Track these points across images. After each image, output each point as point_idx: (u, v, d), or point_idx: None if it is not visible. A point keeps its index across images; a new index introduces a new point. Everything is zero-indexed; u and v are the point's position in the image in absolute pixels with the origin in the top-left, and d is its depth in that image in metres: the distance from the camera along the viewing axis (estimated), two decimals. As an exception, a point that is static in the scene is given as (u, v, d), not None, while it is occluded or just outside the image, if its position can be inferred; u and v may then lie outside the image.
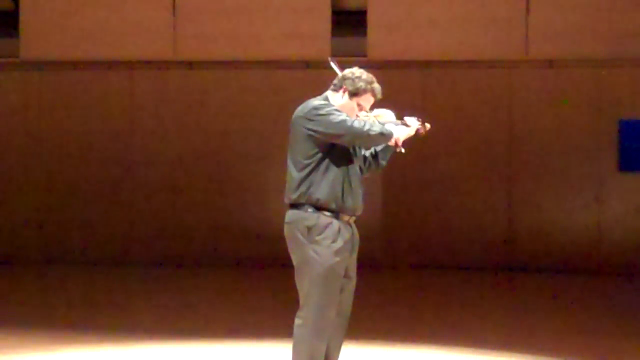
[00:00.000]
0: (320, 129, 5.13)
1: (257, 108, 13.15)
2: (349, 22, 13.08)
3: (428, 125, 5.48)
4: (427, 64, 13.08)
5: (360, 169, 5.41)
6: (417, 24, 12.85)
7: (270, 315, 9.32)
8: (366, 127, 5.11)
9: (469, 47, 12.80)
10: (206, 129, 13.25)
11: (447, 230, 12.94)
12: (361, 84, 5.26)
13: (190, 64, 13.33)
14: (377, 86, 5.30)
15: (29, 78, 13.42)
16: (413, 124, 5.41)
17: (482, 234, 12.89)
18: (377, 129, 5.15)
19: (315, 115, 5.16)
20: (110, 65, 13.29)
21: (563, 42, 12.68)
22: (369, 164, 5.46)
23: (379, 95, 5.32)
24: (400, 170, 12.62)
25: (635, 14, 12.59)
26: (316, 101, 5.28)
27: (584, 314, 9.90)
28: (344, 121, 5.10)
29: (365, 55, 12.71)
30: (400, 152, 5.33)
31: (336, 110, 5.18)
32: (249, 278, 12.21)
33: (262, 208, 13.03)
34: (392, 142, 5.28)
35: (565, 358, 7.47)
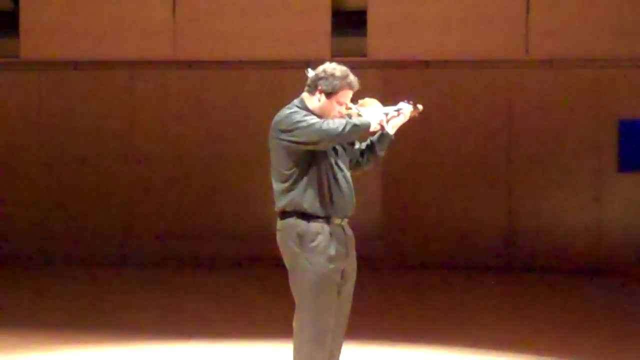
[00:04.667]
0: (294, 139, 5.03)
1: (256, 108, 13.13)
2: (349, 22, 13.07)
3: (420, 107, 5.36)
4: (427, 64, 13.08)
5: (358, 162, 5.31)
6: (417, 24, 12.85)
7: (270, 315, 9.31)
8: (339, 127, 4.95)
9: (469, 47, 12.79)
10: (206, 129, 13.25)
11: (447, 231, 12.92)
12: (336, 82, 5.11)
13: (190, 64, 13.32)
14: (352, 79, 5.15)
15: (29, 78, 13.41)
16: (405, 108, 5.30)
17: (482, 234, 12.88)
18: (350, 124, 4.98)
19: (288, 125, 5.06)
20: (110, 65, 13.28)
21: (563, 42, 12.67)
22: (367, 157, 5.34)
23: (357, 87, 5.17)
24: (400, 170, 12.62)
25: (636, 14, 12.58)
26: (288, 109, 5.18)
27: (584, 314, 9.90)
28: (316, 127, 4.96)
29: (365, 55, 12.71)
30: (388, 134, 5.21)
31: (306, 115, 5.06)
32: (248, 278, 12.21)
33: (262, 208, 13.00)
34: (376, 128, 5.15)
35: (565, 358, 7.47)
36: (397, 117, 5.32)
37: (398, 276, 12.39)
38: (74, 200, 13.33)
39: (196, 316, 9.38)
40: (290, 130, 5.05)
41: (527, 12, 12.69)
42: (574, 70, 12.84)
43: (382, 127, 5.19)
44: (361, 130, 5.07)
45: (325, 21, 12.93)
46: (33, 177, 13.35)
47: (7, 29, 13.34)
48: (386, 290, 11.30)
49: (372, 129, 5.15)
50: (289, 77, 12.84)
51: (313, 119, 5.04)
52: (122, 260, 13.09)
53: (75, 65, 13.35)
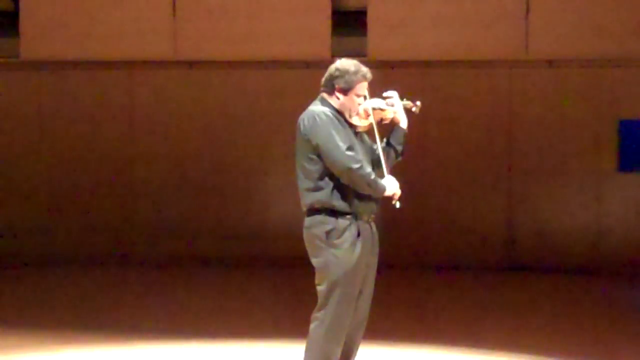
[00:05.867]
0: (316, 141, 5.11)
1: (257, 108, 13.14)
2: (349, 22, 13.07)
3: (419, 103, 5.47)
4: (427, 64, 13.08)
5: (379, 162, 5.35)
6: (417, 24, 12.84)
7: (271, 315, 9.31)
8: (356, 166, 5.07)
9: (469, 47, 12.79)
10: (206, 129, 13.25)
11: (447, 230, 12.93)
12: (351, 77, 5.23)
13: (190, 64, 13.33)
14: (364, 69, 5.28)
15: (29, 78, 13.41)
16: (397, 102, 5.40)
17: (482, 234, 12.88)
18: (368, 176, 5.11)
19: (317, 126, 5.13)
20: (110, 65, 13.28)
21: (563, 42, 12.67)
22: (387, 154, 5.40)
23: (370, 77, 5.30)
24: (400, 170, 12.60)
25: (636, 14, 12.58)
26: (318, 108, 5.23)
27: (584, 314, 9.90)
28: (340, 161, 5.05)
29: (365, 55, 12.70)
30: (395, 206, 5.31)
31: (337, 128, 5.13)
32: (249, 278, 12.20)
33: (263, 207, 13.02)
34: (388, 194, 5.28)
35: (566, 358, 7.47)
36: (395, 105, 5.38)
37: (398, 276, 12.38)
38: (73, 200, 13.32)
39: (196, 316, 9.38)
40: (319, 133, 5.11)
41: (527, 12, 12.69)
42: (574, 70, 12.84)
43: (393, 197, 5.31)
44: (371, 190, 5.20)
45: (325, 21, 12.92)
46: (33, 177, 13.35)
47: (7, 29, 13.34)
48: (386, 291, 11.28)
49: (385, 195, 5.29)
50: (289, 77, 12.87)
51: (342, 148, 5.08)
52: (122, 260, 13.09)
53: (75, 65, 13.35)
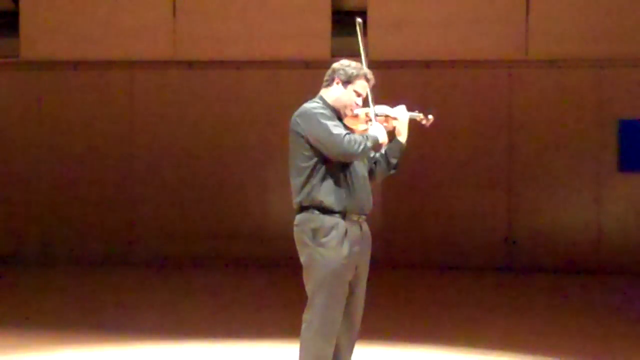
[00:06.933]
0: (311, 136, 5.11)
1: (257, 108, 13.15)
2: (349, 22, 13.04)
3: (431, 117, 5.45)
4: (427, 64, 13.08)
5: (372, 170, 5.38)
6: (417, 24, 12.85)
7: (271, 315, 9.32)
8: (357, 147, 5.06)
9: (469, 47, 12.80)
10: (206, 129, 13.26)
11: (447, 230, 12.93)
12: (352, 71, 5.27)
13: (190, 64, 13.33)
14: (367, 70, 5.32)
15: (29, 78, 13.42)
16: (402, 115, 5.38)
17: (483, 234, 12.89)
18: (366, 145, 5.10)
19: (309, 120, 5.13)
20: (110, 65, 13.29)
21: (563, 42, 12.68)
22: (380, 165, 5.40)
23: (372, 79, 5.31)
24: (400, 170, 12.60)
25: (636, 14, 12.59)
26: (310, 104, 5.25)
27: (584, 314, 9.90)
28: (336, 140, 5.05)
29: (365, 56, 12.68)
30: (398, 141, 5.36)
31: (331, 119, 5.14)
32: (249, 278, 12.21)
33: (263, 208, 13.03)
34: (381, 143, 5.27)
35: (565, 358, 7.47)
36: (399, 118, 5.38)
37: (398, 276, 12.39)
38: (74, 200, 13.33)
39: (196, 316, 9.38)
40: (312, 127, 5.11)
41: (527, 12, 12.70)
42: (574, 70, 12.84)
43: (382, 145, 5.30)
44: (374, 148, 5.20)
45: (325, 21, 12.93)
46: (33, 177, 13.36)
47: (7, 29, 13.35)
48: (385, 290, 11.30)
49: (380, 142, 5.25)
50: (288, 77, 12.87)
51: (337, 128, 5.11)
52: (122, 260, 13.09)
53: (75, 65, 13.36)
